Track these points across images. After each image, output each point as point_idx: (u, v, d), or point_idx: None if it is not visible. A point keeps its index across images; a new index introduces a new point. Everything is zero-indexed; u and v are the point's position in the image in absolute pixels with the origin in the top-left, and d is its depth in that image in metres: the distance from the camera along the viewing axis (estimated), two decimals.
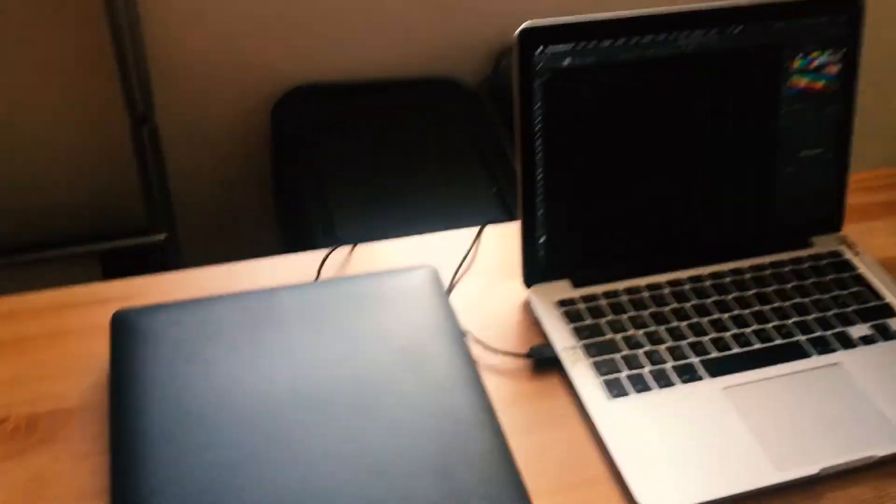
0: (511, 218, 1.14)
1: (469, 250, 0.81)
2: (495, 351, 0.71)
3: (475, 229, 0.84)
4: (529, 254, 0.75)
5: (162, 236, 1.34)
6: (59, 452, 0.61)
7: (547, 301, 0.75)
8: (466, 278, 0.79)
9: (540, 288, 0.76)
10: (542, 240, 0.75)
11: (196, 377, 0.63)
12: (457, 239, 0.83)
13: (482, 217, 1.11)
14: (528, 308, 0.76)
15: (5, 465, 0.60)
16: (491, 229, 0.85)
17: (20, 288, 0.76)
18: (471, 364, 0.65)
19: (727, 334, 0.72)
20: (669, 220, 0.78)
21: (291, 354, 0.65)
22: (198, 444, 0.58)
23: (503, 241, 0.83)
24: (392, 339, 0.67)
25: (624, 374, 0.68)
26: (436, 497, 0.56)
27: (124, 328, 0.66)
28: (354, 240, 0.82)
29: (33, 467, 0.60)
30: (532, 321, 0.75)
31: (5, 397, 0.65)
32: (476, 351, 0.71)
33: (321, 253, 0.81)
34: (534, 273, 0.76)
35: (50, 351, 0.69)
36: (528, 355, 0.71)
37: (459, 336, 0.68)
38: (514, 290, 0.77)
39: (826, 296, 0.76)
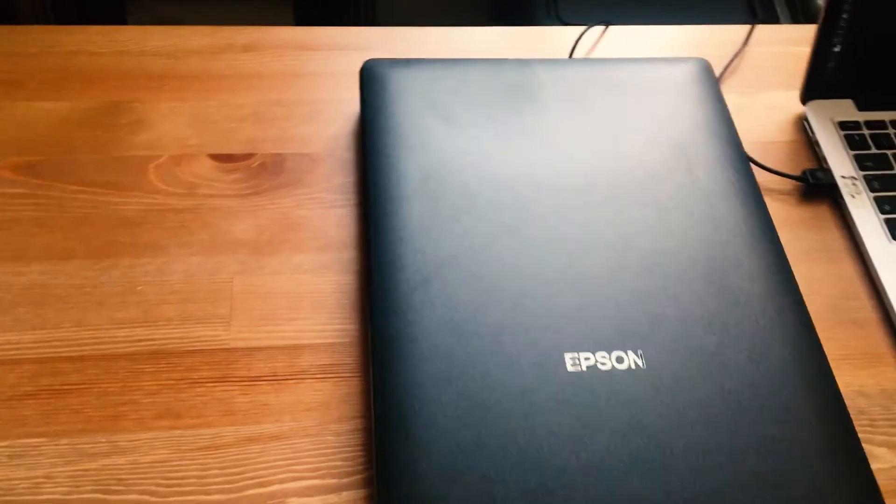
0: (753, 21, 1.02)
1: (739, 50, 0.72)
2: (761, 166, 0.64)
3: (742, 27, 0.75)
4: (817, 63, 0.66)
5: None
6: (303, 198, 0.60)
7: (826, 121, 0.66)
8: (730, 82, 0.71)
9: (819, 104, 0.67)
10: (836, 49, 0.65)
11: (452, 140, 0.58)
12: (720, 35, 0.74)
13: (720, 17, 0.99)
14: (800, 125, 0.68)
15: (253, 201, 0.59)
16: (760, 31, 0.75)
17: (211, 23, 0.72)
18: (749, 173, 0.59)
19: None
20: None
21: (550, 133, 0.60)
22: (454, 207, 0.55)
23: (773, 46, 0.74)
24: (660, 132, 0.60)
25: None
26: (713, 306, 0.51)
27: (376, 79, 0.62)
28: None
29: (280, 208, 0.59)
30: (803, 140, 0.67)
31: (250, 132, 0.63)
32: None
33: (551, 31, 0.73)
34: (816, 87, 0.67)
35: (292, 91, 0.66)
36: (800, 178, 0.63)
37: (736, 140, 0.60)
38: (785, 102, 0.69)
39: None
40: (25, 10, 1.32)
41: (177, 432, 0.49)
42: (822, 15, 0.64)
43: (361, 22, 1.32)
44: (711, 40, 0.73)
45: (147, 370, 0.51)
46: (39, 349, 0.51)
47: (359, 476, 0.48)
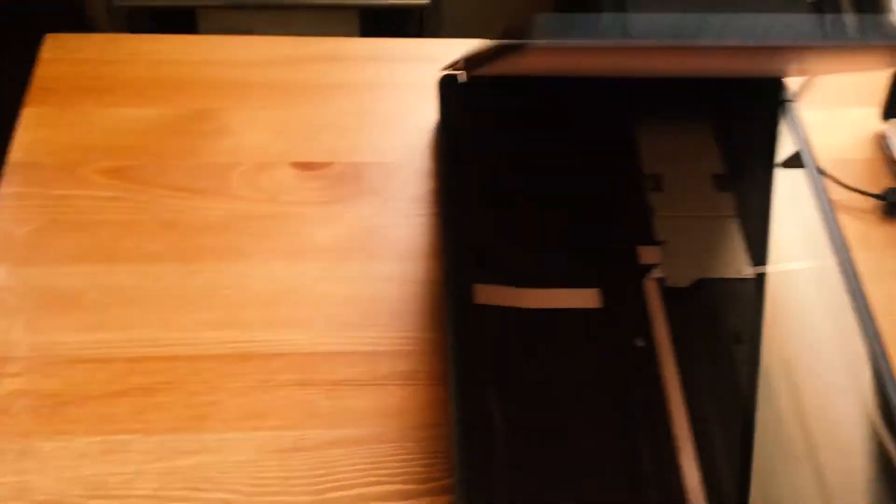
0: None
1: None
2: (844, 185, 0.63)
3: None
4: None
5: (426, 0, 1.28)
6: (381, 206, 0.61)
7: None
8: (810, 100, 0.70)
9: None
10: None
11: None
12: None
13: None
14: (881, 143, 0.67)
15: (332, 209, 0.60)
16: None
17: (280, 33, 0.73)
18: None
19: None
20: None
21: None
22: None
23: None
24: None
25: None
26: None
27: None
28: None
29: (359, 216, 0.60)
30: (883, 159, 0.66)
31: (330, 141, 0.64)
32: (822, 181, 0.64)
33: None
34: None
35: (370, 101, 0.67)
36: (882, 197, 0.63)
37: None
38: (865, 120, 0.68)
39: None
40: (101, 22, 1.36)
41: (261, 433, 0.50)
42: None
43: (427, 33, 1.33)
44: None
45: (233, 372, 0.52)
46: (130, 348, 0.53)
47: (438, 483, 0.48)
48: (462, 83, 0.62)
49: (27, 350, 0.52)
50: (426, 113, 0.66)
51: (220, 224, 0.59)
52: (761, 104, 0.64)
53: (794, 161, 0.61)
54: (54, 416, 0.49)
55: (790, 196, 0.61)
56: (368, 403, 0.51)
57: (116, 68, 0.68)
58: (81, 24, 1.38)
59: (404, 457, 0.49)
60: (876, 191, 0.63)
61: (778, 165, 0.62)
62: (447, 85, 0.63)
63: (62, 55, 0.67)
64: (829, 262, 0.56)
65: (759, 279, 0.56)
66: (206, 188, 0.60)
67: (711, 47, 0.43)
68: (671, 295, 0.56)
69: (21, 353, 0.52)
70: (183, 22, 1.35)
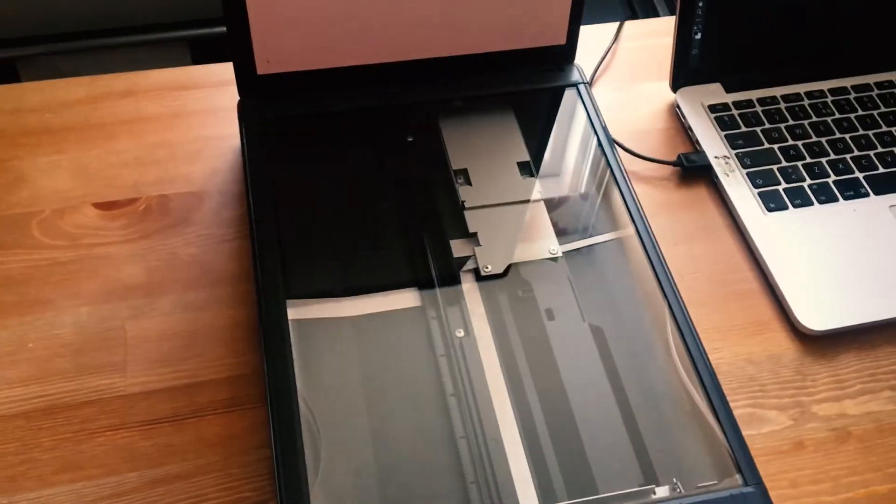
0: (634, 17, 1.05)
1: (609, 48, 0.75)
2: (640, 156, 0.66)
3: (612, 25, 0.77)
4: (681, 51, 0.68)
5: None
6: (192, 235, 0.60)
7: (697, 105, 0.69)
8: (605, 79, 0.73)
9: (689, 91, 0.70)
10: (697, 36, 0.68)
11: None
12: (592, 35, 0.76)
13: (601, 15, 1.02)
14: (673, 113, 0.70)
15: (141, 245, 0.59)
16: (629, 26, 0.78)
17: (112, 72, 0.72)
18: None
19: None
20: (836, 19, 0.70)
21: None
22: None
23: (643, 39, 0.76)
24: None
25: (782, 188, 0.63)
26: None
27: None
28: None
29: (169, 248, 0.59)
30: (677, 127, 0.69)
31: (133, 177, 0.63)
32: (619, 155, 0.67)
33: None
34: (683, 74, 0.69)
35: (174, 132, 0.66)
36: (676, 163, 0.66)
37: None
38: (658, 92, 0.71)
39: None
40: None
41: (79, 484, 0.48)
42: (679, 4, 0.67)
43: None
44: (584, 39, 0.76)
45: (44, 426, 0.50)
46: None
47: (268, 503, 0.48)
48: (261, 104, 0.62)
49: None
50: (233, 137, 0.65)
51: (20, 276, 0.56)
52: (558, 89, 0.66)
53: (592, 138, 0.63)
54: None
55: (590, 172, 0.63)
56: (189, 437, 0.50)
57: None
58: None
59: (230, 484, 0.48)
60: (674, 158, 0.66)
61: (577, 145, 0.65)
62: (247, 107, 0.63)
63: None
64: (629, 231, 0.58)
65: (568, 257, 0.58)
66: (2, 242, 0.58)
67: None
68: (487, 282, 0.57)
69: None
70: (4, 76, 1.30)
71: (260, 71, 0.60)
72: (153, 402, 0.51)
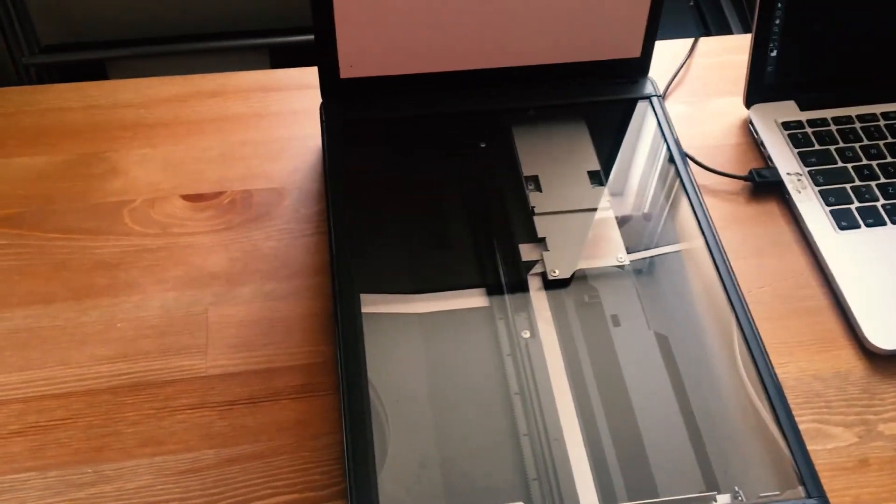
0: (707, 33, 1.05)
1: (683, 63, 0.75)
2: (711, 170, 0.67)
3: (686, 41, 0.78)
4: (757, 68, 0.69)
5: None
6: (272, 229, 0.62)
7: (770, 122, 0.69)
8: (678, 94, 0.74)
9: (762, 108, 0.70)
10: (773, 53, 0.68)
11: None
12: (666, 50, 0.77)
13: (675, 31, 1.03)
14: (745, 129, 0.70)
15: (225, 236, 0.62)
16: (703, 42, 0.78)
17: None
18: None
19: None
20: None
21: None
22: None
23: (718, 56, 0.77)
24: None
25: (854, 206, 0.63)
26: None
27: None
28: None
29: (251, 240, 0.62)
30: (750, 143, 0.70)
31: (219, 172, 0.66)
32: (690, 168, 0.67)
33: None
34: (758, 91, 0.70)
35: (257, 131, 0.69)
36: (748, 178, 0.66)
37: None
38: (730, 108, 0.72)
39: None
40: (11, 79, 1.37)
41: (159, 458, 0.51)
42: (755, 22, 0.67)
43: None
44: (658, 54, 0.77)
45: (128, 402, 0.53)
46: (25, 389, 0.53)
47: (337, 488, 0.50)
48: (343, 106, 0.65)
49: None
50: (313, 137, 0.68)
51: (112, 261, 0.60)
52: (631, 101, 0.67)
53: (663, 150, 0.64)
54: None
55: (660, 183, 0.64)
56: (264, 419, 0.52)
57: (6, 120, 0.69)
58: None
59: (300, 466, 0.50)
60: (745, 173, 0.67)
61: (647, 156, 0.65)
62: (329, 109, 0.65)
63: None
64: (698, 243, 0.59)
65: (635, 265, 0.59)
66: (97, 228, 0.62)
67: None
68: (553, 287, 0.58)
69: None
70: (94, 76, 1.36)
71: (343, 75, 0.63)
72: (231, 385, 0.54)
